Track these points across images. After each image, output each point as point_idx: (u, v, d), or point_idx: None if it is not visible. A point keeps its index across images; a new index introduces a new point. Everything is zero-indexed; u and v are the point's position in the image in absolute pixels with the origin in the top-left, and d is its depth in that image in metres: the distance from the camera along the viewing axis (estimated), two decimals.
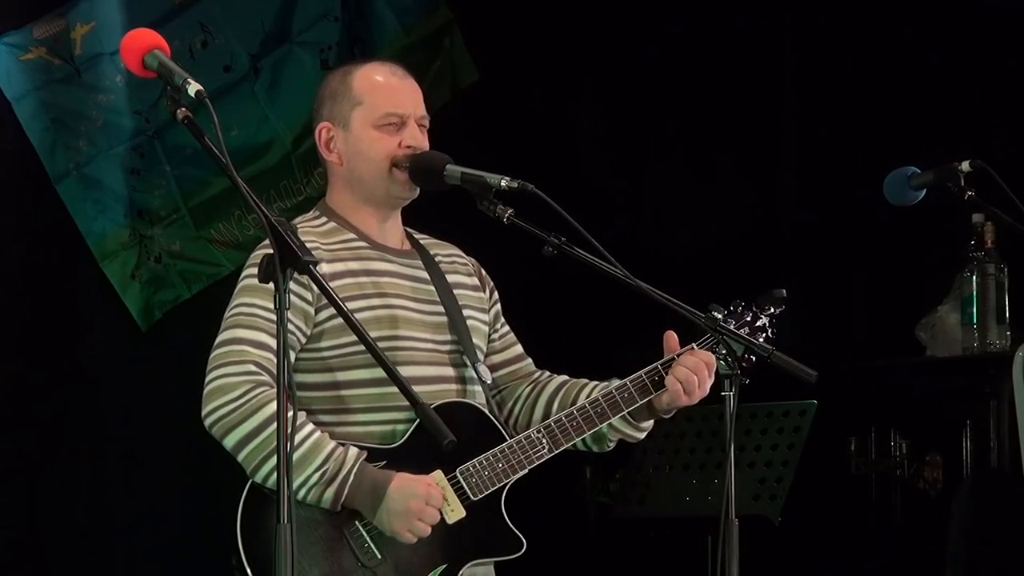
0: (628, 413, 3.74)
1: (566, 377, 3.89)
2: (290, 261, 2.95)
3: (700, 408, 4.84)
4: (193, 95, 3.04)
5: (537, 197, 3.52)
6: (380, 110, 3.73)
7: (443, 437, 3.06)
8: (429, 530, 3.55)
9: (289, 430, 2.94)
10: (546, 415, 3.79)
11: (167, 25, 5.35)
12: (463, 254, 3.95)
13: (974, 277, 5.41)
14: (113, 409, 5.30)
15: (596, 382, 3.81)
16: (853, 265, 6.26)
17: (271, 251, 3.59)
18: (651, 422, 3.82)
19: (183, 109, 3.07)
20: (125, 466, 5.33)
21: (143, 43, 3.12)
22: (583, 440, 3.78)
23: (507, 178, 3.59)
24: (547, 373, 3.92)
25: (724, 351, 3.57)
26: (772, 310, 3.72)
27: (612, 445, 3.85)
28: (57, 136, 5.26)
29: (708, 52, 6.28)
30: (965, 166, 3.88)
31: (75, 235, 5.27)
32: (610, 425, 3.76)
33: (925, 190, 3.97)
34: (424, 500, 3.54)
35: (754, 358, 3.59)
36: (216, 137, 3.02)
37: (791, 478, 4.98)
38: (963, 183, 3.88)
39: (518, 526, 3.67)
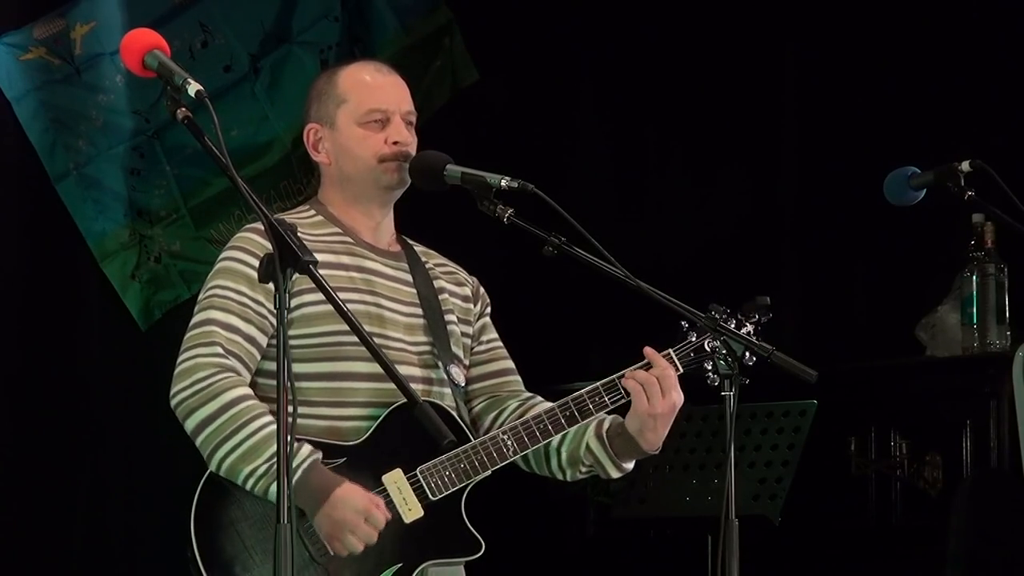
0: (612, 450, 3.71)
1: (541, 399, 3.84)
2: (290, 261, 2.95)
3: (700, 408, 4.87)
4: (193, 95, 3.05)
5: (537, 197, 3.53)
6: (363, 107, 3.75)
7: (442, 437, 3.05)
8: (361, 546, 3.51)
9: (289, 430, 2.94)
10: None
11: (167, 25, 5.35)
12: (464, 272, 3.95)
13: (974, 277, 5.40)
14: (113, 409, 5.29)
15: None
16: (853, 265, 6.25)
17: (252, 235, 3.64)
18: (632, 464, 3.76)
19: (183, 109, 3.07)
20: (124, 466, 5.32)
21: (143, 43, 3.13)
22: (558, 462, 3.76)
23: (507, 178, 3.59)
24: (536, 396, 3.87)
25: (724, 351, 3.56)
26: (757, 318, 3.65)
27: (584, 472, 3.79)
28: (57, 136, 5.25)
29: (708, 51, 6.28)
30: (965, 166, 3.88)
31: (75, 235, 5.26)
32: (587, 448, 3.72)
33: (925, 190, 3.97)
34: (363, 516, 3.50)
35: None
36: (216, 137, 3.02)
37: (791, 478, 4.97)
38: (963, 183, 3.88)
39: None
